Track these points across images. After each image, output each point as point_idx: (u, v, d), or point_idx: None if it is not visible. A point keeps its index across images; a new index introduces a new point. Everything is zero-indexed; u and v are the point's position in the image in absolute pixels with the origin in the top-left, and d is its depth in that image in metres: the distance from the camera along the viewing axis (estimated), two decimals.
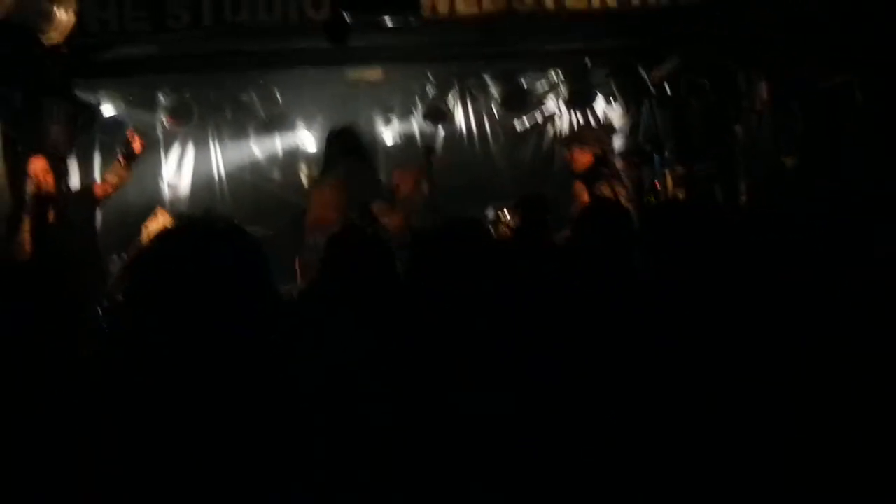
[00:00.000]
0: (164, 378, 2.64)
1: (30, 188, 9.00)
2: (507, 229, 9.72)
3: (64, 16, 8.54)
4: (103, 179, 9.89)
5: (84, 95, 12.22)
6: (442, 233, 4.15)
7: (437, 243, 4.05)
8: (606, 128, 10.05)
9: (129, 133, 9.94)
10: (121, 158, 9.73)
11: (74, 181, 11.57)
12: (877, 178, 8.70)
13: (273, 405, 2.75)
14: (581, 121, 14.88)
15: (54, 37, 8.63)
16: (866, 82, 9.72)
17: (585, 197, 9.23)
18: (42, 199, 9.05)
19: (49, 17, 8.51)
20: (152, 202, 11.93)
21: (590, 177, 9.31)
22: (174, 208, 13.69)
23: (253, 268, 2.77)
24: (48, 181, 9.12)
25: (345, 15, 9.45)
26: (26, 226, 8.93)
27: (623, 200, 8.90)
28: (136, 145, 9.64)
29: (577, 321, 3.93)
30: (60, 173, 9.60)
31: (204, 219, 2.85)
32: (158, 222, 8.97)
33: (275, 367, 2.79)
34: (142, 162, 10.40)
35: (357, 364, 3.47)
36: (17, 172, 9.53)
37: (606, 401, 3.43)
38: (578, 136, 9.71)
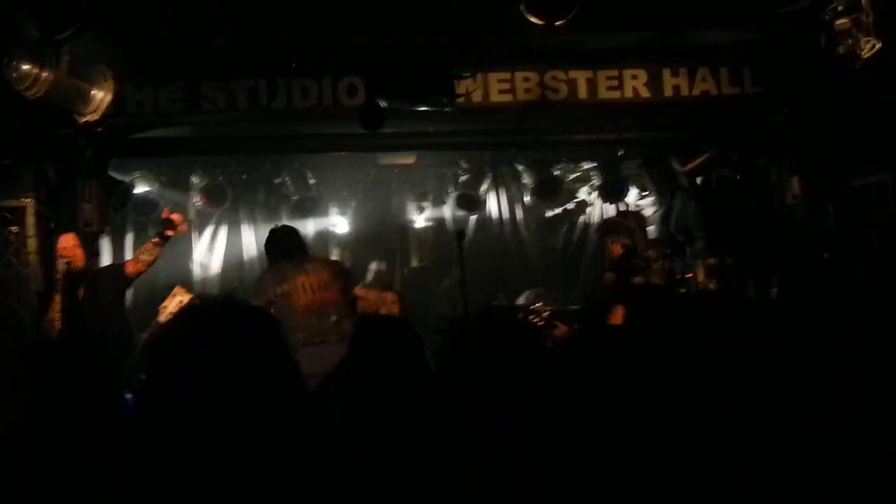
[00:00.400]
0: (186, 459, 2.62)
1: (60, 265, 9.03)
2: (539, 318, 9.69)
3: (100, 96, 8.61)
4: (136, 258, 9.91)
5: (118, 175, 12.30)
6: (478, 319, 4.13)
7: (473, 329, 4.04)
8: (637, 218, 10.00)
9: (167, 212, 10.01)
10: (156, 238, 9.79)
11: (106, 259, 11.62)
12: None
13: (293, 492, 2.73)
14: (613, 210, 14.86)
15: (90, 116, 8.69)
16: None
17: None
18: (73, 276, 9.08)
19: (85, 97, 8.57)
20: (183, 282, 11.93)
21: (621, 267, 9.28)
22: (204, 289, 13.75)
23: (267, 347, 2.75)
24: (77, 255, 9.16)
25: (379, 102, 9.51)
26: (57, 303, 8.95)
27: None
28: (182, 227, 9.76)
29: (615, 410, 3.89)
30: (92, 251, 9.64)
31: (218, 299, 2.85)
32: (176, 301, 8.97)
33: (293, 453, 2.76)
34: (174, 242, 10.41)
35: (384, 449, 3.44)
36: (50, 250, 9.58)
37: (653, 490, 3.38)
38: (609, 226, 9.69)
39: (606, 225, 10.08)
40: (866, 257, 9.85)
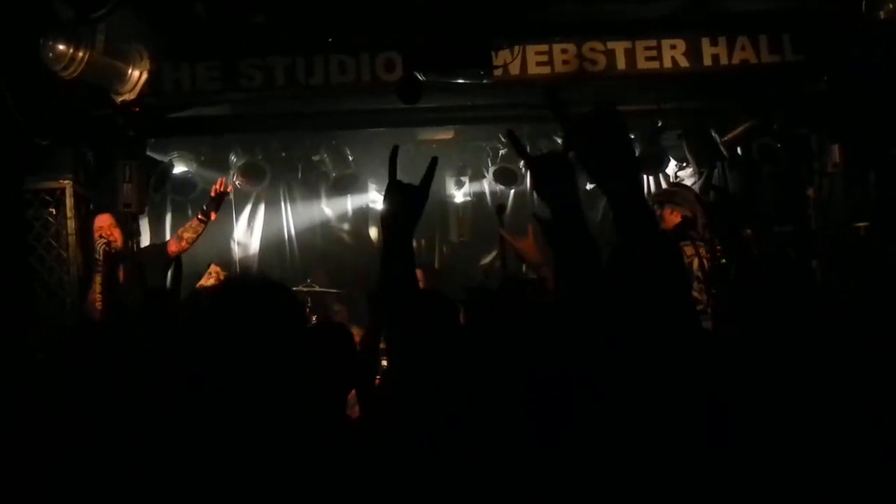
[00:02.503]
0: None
1: (99, 245, 9.03)
2: None
3: (136, 75, 8.60)
4: (179, 236, 9.95)
5: (156, 154, 12.30)
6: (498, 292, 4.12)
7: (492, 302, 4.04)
8: (691, 190, 9.89)
9: (215, 190, 10.08)
10: (200, 215, 9.86)
11: (145, 240, 11.64)
12: None
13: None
14: (654, 183, 14.72)
15: (127, 96, 8.68)
16: None
17: None
18: (112, 257, 9.06)
19: (122, 77, 8.56)
20: (221, 260, 11.93)
21: (674, 237, 9.15)
22: (244, 267, 13.80)
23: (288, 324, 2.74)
24: (115, 235, 9.16)
25: (417, 75, 9.45)
26: (97, 284, 8.95)
27: (706, 263, 8.77)
28: (228, 189, 9.97)
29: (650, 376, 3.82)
30: (132, 232, 9.64)
31: (241, 277, 2.87)
32: (212, 280, 8.98)
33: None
34: (213, 221, 10.40)
35: (420, 416, 3.41)
36: (89, 231, 9.58)
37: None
38: (671, 195, 9.53)
39: (665, 194, 9.91)
40: None
